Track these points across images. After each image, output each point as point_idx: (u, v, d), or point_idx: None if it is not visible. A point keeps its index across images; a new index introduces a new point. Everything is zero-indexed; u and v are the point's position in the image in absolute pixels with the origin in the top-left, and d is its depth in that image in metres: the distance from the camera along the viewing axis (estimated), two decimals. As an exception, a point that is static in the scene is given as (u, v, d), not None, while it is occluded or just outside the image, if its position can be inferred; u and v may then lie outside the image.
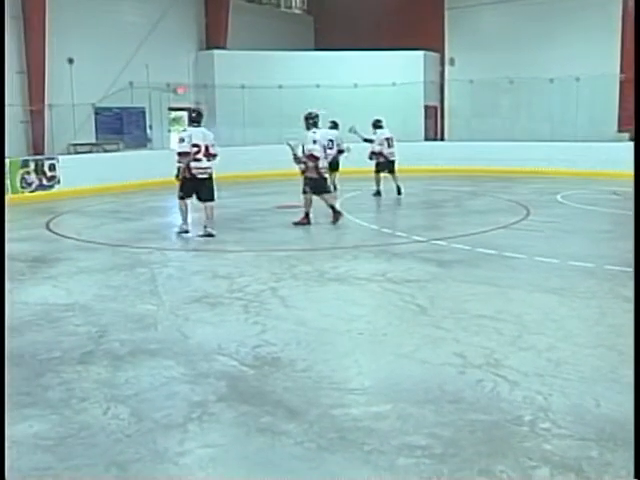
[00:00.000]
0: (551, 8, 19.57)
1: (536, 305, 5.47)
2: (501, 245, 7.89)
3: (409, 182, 16.01)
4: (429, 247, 8.05)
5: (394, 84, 19.62)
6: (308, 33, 24.43)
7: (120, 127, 17.73)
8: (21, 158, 14.63)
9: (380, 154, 13.16)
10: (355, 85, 19.40)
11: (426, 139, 20.69)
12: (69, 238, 9.42)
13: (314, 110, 10.06)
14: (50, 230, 10.24)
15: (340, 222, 9.81)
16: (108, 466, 2.99)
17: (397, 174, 13.42)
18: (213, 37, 20.55)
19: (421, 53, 20.91)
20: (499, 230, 9.26)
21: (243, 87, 18.88)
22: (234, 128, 18.31)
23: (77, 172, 14.74)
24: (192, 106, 19.80)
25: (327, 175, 10.15)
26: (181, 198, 9.30)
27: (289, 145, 9.89)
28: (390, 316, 5.21)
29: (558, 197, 12.68)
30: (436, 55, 21.86)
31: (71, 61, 17.04)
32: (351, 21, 22.71)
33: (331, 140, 10.73)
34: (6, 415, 3.52)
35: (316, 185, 9.72)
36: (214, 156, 9.07)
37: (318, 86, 18.95)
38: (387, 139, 13.27)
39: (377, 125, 13.35)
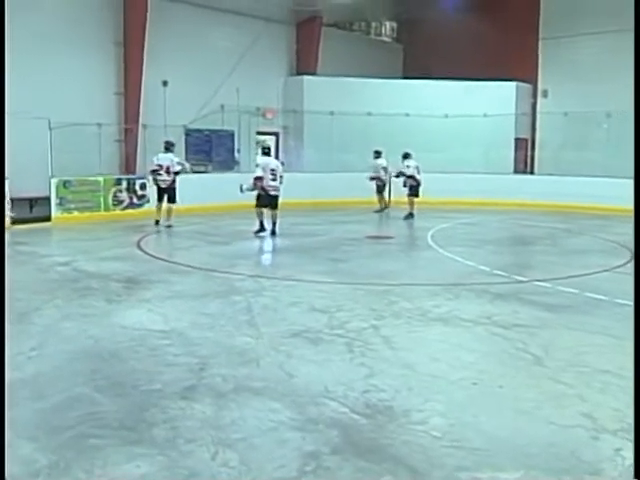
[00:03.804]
0: (652, 39, 18.77)
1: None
2: (610, 290, 7.39)
3: (498, 216, 15.62)
4: (532, 288, 7.64)
5: (485, 115, 19.19)
6: (397, 61, 24.28)
7: (209, 149, 17.92)
8: (115, 176, 14.96)
9: (412, 178, 14.74)
10: (446, 115, 19.08)
11: (515, 172, 20.10)
12: (160, 259, 9.44)
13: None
14: (141, 249, 10.32)
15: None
16: (222, 522, 2.78)
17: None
18: (303, 63, 20.65)
19: (513, 84, 20.40)
20: (604, 273, 8.72)
21: (332, 113, 18.83)
22: (321, 154, 18.26)
23: (166, 192, 14.92)
24: (279, 130, 20.16)
25: (274, 193, 11.96)
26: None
27: (242, 189, 12.16)
28: (503, 365, 4.86)
29: (663, 239, 11.96)
30: (529, 86, 21.29)
31: (165, 83, 17.37)
32: (441, 51, 22.41)
33: (272, 169, 12.05)
34: (112, 450, 3.40)
35: (262, 199, 11.92)
36: (175, 173, 12.98)
37: (407, 115, 18.73)
38: (416, 167, 14.85)
39: (407, 157, 14.97)
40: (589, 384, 4.45)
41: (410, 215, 14.60)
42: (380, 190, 16.21)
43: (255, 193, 12.04)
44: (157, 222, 13.11)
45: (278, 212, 12.05)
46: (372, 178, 15.98)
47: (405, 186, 14.90)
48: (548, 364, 4.88)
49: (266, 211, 12.02)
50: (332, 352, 5.06)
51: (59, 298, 6.89)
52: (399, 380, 4.44)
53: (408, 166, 14.79)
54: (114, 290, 7.35)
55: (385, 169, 16.06)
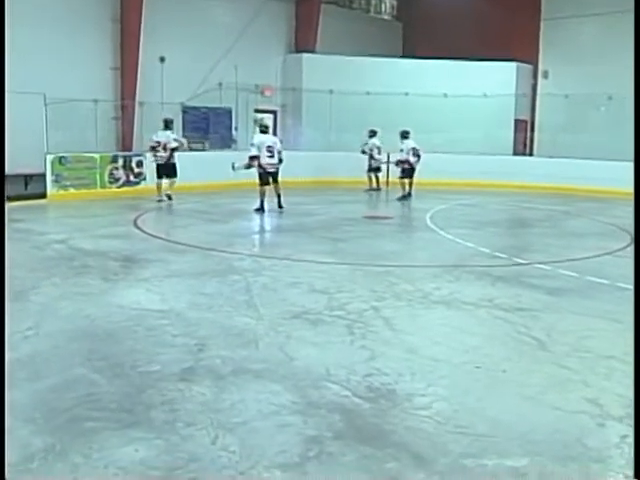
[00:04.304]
0: (656, 21, 18.59)
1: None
2: (612, 274, 7.32)
3: (497, 198, 15.54)
4: (533, 271, 7.57)
5: (485, 95, 19.01)
6: (396, 40, 24.00)
7: (207, 127, 17.72)
8: (111, 154, 14.81)
9: (406, 162, 14.47)
10: (445, 95, 18.90)
11: (515, 153, 19.97)
12: (158, 238, 9.35)
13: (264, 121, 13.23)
14: (138, 227, 10.22)
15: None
16: (223, 508, 2.72)
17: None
18: (302, 40, 20.38)
19: (514, 64, 20.17)
20: (605, 257, 8.65)
21: (331, 92, 18.63)
22: (320, 132, 18.09)
23: (163, 170, 14.79)
24: (278, 108, 19.95)
25: (272, 170, 11.98)
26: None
27: (234, 167, 12.29)
28: (506, 349, 4.80)
29: (663, 223, 11.91)
30: (529, 67, 21.08)
31: (163, 60, 17.12)
32: (440, 29, 22.16)
33: (269, 146, 12.00)
34: (109, 434, 3.34)
35: (262, 178, 11.93)
36: (172, 150, 13.27)
37: (407, 94, 18.53)
38: (413, 149, 14.50)
39: (405, 136, 14.60)
40: (593, 369, 4.39)
41: (404, 196, 14.49)
42: (373, 169, 16.21)
43: (247, 171, 12.11)
44: (159, 200, 13.29)
45: (280, 186, 12.09)
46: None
47: (397, 166, 14.81)
48: (551, 348, 4.82)
49: (269, 189, 12.00)
50: (333, 334, 4.99)
51: (56, 276, 6.81)
52: (401, 363, 4.37)
53: (402, 150, 14.58)
54: (111, 269, 7.26)
55: (379, 149, 16.06)
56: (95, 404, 3.70)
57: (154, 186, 13.69)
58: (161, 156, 13.31)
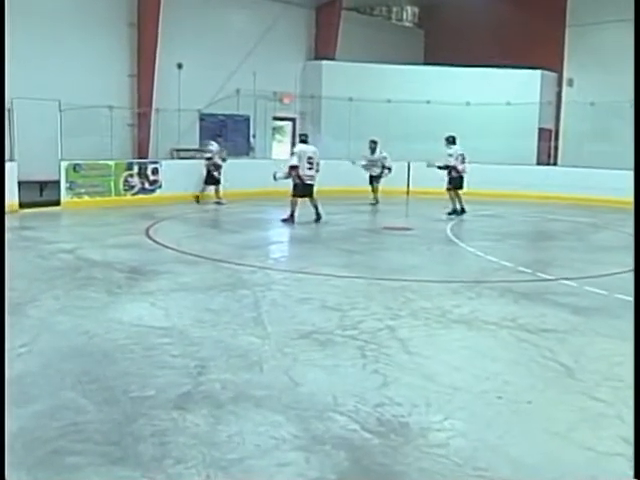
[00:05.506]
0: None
1: None
2: (642, 292, 6.91)
3: (520, 209, 15.10)
4: (558, 288, 7.17)
5: (509, 104, 18.59)
6: (418, 47, 23.66)
7: (224, 134, 17.45)
8: (126, 161, 14.61)
9: (455, 168, 13.05)
10: (467, 103, 18.51)
11: (538, 163, 19.50)
12: (169, 248, 9.06)
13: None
14: (150, 237, 9.96)
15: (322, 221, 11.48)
16: None
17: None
18: (322, 47, 20.12)
19: (538, 72, 19.74)
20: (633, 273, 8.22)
21: (351, 99, 18.31)
22: (339, 140, 17.74)
23: (179, 177, 14.61)
24: (296, 116, 19.66)
25: (310, 182, 11.57)
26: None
27: (275, 177, 11.96)
28: (531, 377, 4.42)
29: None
30: (554, 75, 20.63)
31: (180, 66, 16.95)
32: (463, 36, 21.75)
33: (310, 157, 11.61)
34: (92, 470, 3.03)
35: (298, 189, 11.50)
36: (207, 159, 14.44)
37: (428, 102, 18.18)
38: (462, 155, 13.21)
39: (452, 141, 13.21)
40: (627, 402, 3.98)
41: (455, 211, 13.07)
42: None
43: (287, 181, 11.74)
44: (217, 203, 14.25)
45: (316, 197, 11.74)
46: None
47: (444, 168, 13.14)
48: (580, 376, 4.44)
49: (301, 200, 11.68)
50: (343, 357, 4.65)
51: (58, 288, 6.54)
52: (416, 392, 4.02)
53: (450, 155, 13.05)
54: (116, 281, 6.98)
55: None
56: (80, 435, 3.40)
57: (170, 194, 13.62)
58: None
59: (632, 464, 3.19)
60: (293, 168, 11.47)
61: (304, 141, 12.06)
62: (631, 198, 15.63)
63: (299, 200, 11.60)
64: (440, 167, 13.11)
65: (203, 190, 14.49)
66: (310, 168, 11.51)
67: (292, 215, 11.51)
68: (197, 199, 14.35)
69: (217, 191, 14.47)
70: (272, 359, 4.57)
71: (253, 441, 3.34)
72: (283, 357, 4.61)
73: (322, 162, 11.85)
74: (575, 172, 17.58)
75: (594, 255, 9.54)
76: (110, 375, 4.23)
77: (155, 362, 4.49)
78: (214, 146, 14.53)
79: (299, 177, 11.46)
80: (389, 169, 14.99)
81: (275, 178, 11.98)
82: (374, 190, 15.09)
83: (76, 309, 5.81)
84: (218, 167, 14.43)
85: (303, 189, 11.52)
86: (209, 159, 14.42)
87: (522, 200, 16.30)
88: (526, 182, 17.03)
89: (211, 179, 14.42)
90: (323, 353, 4.72)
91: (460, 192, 13.20)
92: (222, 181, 14.46)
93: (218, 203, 14.22)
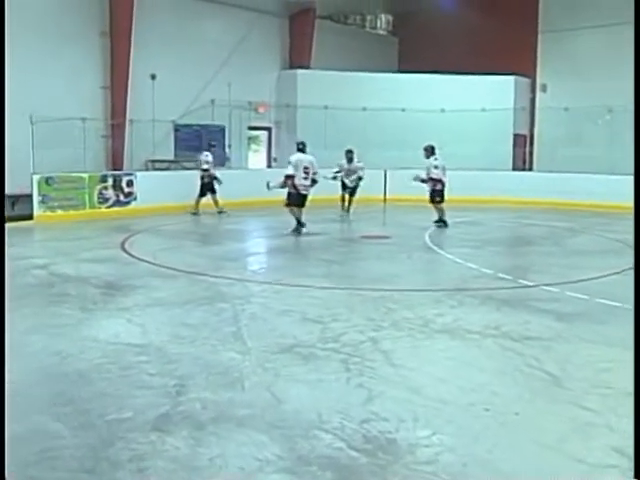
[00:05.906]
0: (656, 33, 18.25)
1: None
2: (623, 296, 6.85)
3: (498, 214, 15.13)
4: (540, 294, 7.13)
5: (484, 110, 18.65)
6: (392, 55, 23.70)
7: (199, 145, 17.22)
8: (100, 173, 14.39)
9: (440, 181, 12.38)
10: (442, 110, 18.54)
11: (514, 169, 19.59)
12: (145, 261, 8.89)
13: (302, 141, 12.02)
14: (125, 250, 9.78)
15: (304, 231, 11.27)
16: None
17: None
18: (297, 56, 20.06)
19: (512, 78, 19.86)
20: (613, 276, 8.23)
21: (326, 108, 18.25)
22: (315, 149, 17.60)
23: (154, 189, 14.42)
24: (272, 125, 19.55)
25: (305, 192, 11.37)
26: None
27: (269, 186, 11.82)
28: (518, 387, 4.34)
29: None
30: (527, 80, 20.77)
31: (154, 77, 16.75)
32: (437, 44, 21.82)
33: (306, 167, 11.39)
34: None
35: (292, 198, 11.32)
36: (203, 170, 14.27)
37: (403, 110, 18.18)
38: (443, 167, 12.52)
39: (432, 151, 12.48)
40: (616, 410, 3.92)
41: (442, 221, 12.55)
42: (349, 193, 14.37)
43: (265, 191, 11.74)
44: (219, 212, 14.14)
45: (303, 209, 11.54)
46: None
47: (424, 182, 12.51)
48: (567, 385, 4.37)
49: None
50: (326, 370, 4.54)
51: (29, 306, 6.34)
52: (402, 406, 3.92)
53: (436, 167, 12.34)
54: (91, 297, 6.81)
55: (362, 169, 14.33)
56: (53, 462, 3.25)
57: (145, 206, 13.50)
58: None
59: (624, 477, 3.14)
60: (289, 177, 11.28)
61: (301, 150, 11.71)
62: (606, 202, 15.91)
63: (294, 208, 11.43)
64: (424, 180, 12.46)
65: (198, 202, 14.14)
66: (305, 178, 11.33)
67: (299, 222, 11.36)
68: (195, 211, 14.03)
69: (215, 201, 14.22)
70: (253, 375, 4.45)
71: (236, 463, 3.21)
72: (265, 373, 4.49)
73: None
74: (550, 177, 17.72)
75: (573, 260, 9.54)
76: (85, 397, 4.07)
77: (132, 382, 4.34)
78: (209, 157, 14.33)
79: (294, 186, 11.27)
80: (360, 178, 14.43)
81: (269, 187, 11.81)
82: (343, 199, 14.49)
83: (49, 327, 5.64)
84: (214, 178, 14.22)
85: (297, 199, 11.33)
86: (205, 170, 14.19)
87: (499, 205, 16.35)
88: (502, 187, 17.11)
89: (207, 189, 14.18)
90: (305, 367, 4.61)
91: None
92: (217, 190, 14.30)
93: (221, 212, 14.03)
